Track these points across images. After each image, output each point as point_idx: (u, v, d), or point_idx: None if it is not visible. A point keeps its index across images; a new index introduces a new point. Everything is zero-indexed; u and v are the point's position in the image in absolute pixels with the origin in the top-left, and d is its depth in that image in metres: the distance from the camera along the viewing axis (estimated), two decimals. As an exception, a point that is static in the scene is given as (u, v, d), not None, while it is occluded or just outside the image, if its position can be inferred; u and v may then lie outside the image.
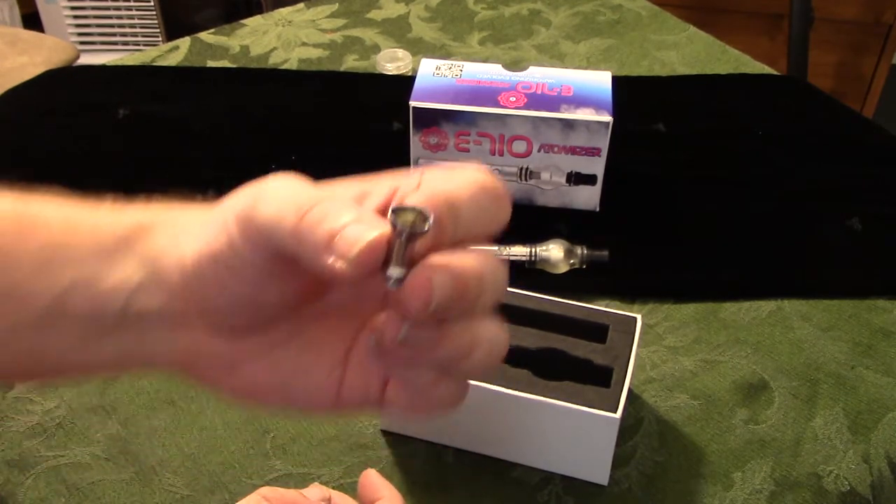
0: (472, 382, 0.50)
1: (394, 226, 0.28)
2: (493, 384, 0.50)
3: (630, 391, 0.55)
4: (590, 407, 0.49)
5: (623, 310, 0.63)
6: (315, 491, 0.45)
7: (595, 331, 0.53)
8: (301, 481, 0.53)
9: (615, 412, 0.49)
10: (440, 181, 0.30)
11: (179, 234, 0.35)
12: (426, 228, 0.28)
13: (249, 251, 0.32)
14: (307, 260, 0.30)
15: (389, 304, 0.30)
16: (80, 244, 0.36)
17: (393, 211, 0.28)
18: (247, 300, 0.34)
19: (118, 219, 0.36)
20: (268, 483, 0.53)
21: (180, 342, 0.36)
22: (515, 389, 0.50)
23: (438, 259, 0.29)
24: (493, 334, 0.30)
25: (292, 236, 0.30)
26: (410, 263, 0.28)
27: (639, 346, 0.53)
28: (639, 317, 0.54)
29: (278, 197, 0.31)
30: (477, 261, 0.29)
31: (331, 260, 0.29)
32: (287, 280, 0.32)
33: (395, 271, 0.28)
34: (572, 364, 0.52)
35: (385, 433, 0.56)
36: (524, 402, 0.50)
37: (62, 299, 0.35)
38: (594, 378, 0.51)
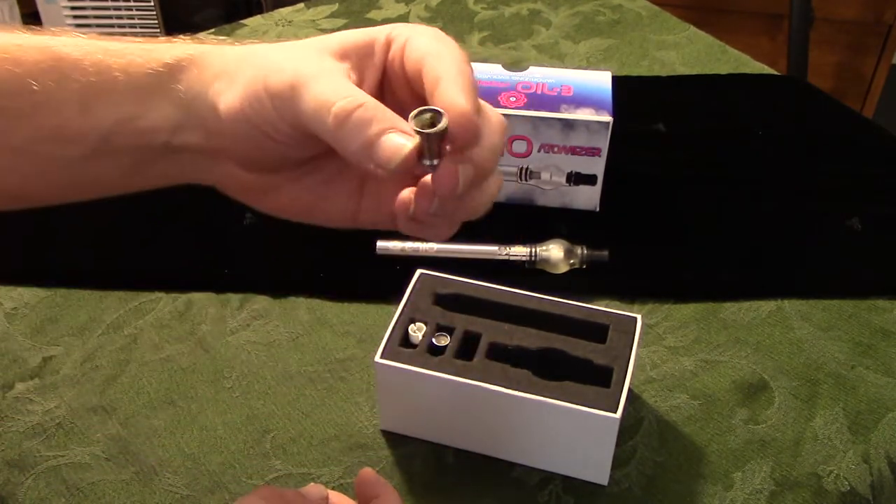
0: (472, 382, 0.50)
1: (418, 131, 0.35)
2: (494, 384, 0.50)
3: (630, 391, 0.54)
4: (590, 407, 0.49)
5: (623, 310, 0.63)
6: (313, 490, 0.45)
7: (595, 331, 0.53)
8: (301, 481, 0.53)
9: (615, 412, 0.49)
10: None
11: (213, 80, 0.39)
12: (444, 126, 0.35)
13: (284, 126, 0.37)
14: (346, 156, 0.36)
15: (420, 184, 0.37)
16: (116, 86, 0.39)
17: (415, 116, 0.35)
18: (275, 153, 0.39)
19: (149, 57, 0.39)
20: (268, 483, 0.53)
21: (217, 171, 0.41)
22: (516, 389, 0.49)
23: (461, 153, 0.36)
24: (496, 186, 0.38)
25: (333, 134, 0.36)
26: (439, 154, 0.35)
27: (639, 346, 0.53)
28: (639, 317, 0.54)
29: (319, 90, 0.36)
30: (489, 148, 0.37)
31: (371, 166, 0.35)
32: (314, 143, 0.38)
33: (428, 162, 0.36)
34: (572, 364, 0.52)
35: (385, 433, 0.56)
36: (524, 402, 0.50)
37: (108, 137, 0.39)
38: (594, 378, 0.51)
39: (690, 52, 0.94)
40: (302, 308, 0.65)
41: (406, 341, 0.53)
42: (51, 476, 0.53)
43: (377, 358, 0.52)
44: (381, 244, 0.68)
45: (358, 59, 0.40)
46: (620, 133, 0.69)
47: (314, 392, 0.59)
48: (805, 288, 0.66)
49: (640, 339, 0.53)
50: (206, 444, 0.55)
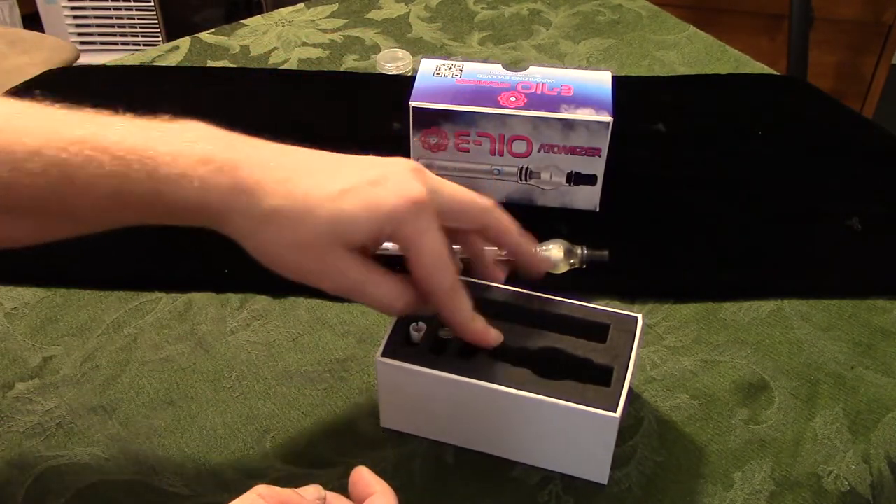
0: (472, 381, 0.50)
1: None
2: (494, 383, 0.50)
3: (630, 391, 0.54)
4: (589, 406, 0.49)
5: (623, 310, 0.63)
6: (311, 491, 0.45)
7: (596, 330, 0.53)
8: (301, 481, 0.53)
9: (615, 411, 0.49)
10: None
11: (258, 230, 0.46)
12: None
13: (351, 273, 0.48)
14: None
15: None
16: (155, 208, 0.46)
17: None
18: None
19: (187, 199, 0.45)
20: (268, 483, 0.53)
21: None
22: (516, 388, 0.50)
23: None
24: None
25: (431, 304, 0.49)
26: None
27: (640, 345, 0.53)
28: (640, 316, 0.54)
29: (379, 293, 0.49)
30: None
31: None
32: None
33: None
34: (573, 363, 0.52)
35: (385, 431, 0.56)
36: (524, 401, 0.50)
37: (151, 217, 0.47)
38: (594, 377, 0.51)
39: (690, 52, 0.94)
40: (302, 308, 0.65)
41: (407, 340, 0.53)
42: (51, 476, 0.53)
43: (378, 356, 0.52)
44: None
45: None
46: (620, 133, 0.69)
47: (314, 392, 0.59)
48: (805, 288, 0.66)
49: (640, 338, 0.53)
50: (206, 444, 0.55)
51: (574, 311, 0.54)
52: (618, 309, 0.56)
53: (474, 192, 0.50)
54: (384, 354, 0.52)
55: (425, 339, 0.53)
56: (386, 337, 0.53)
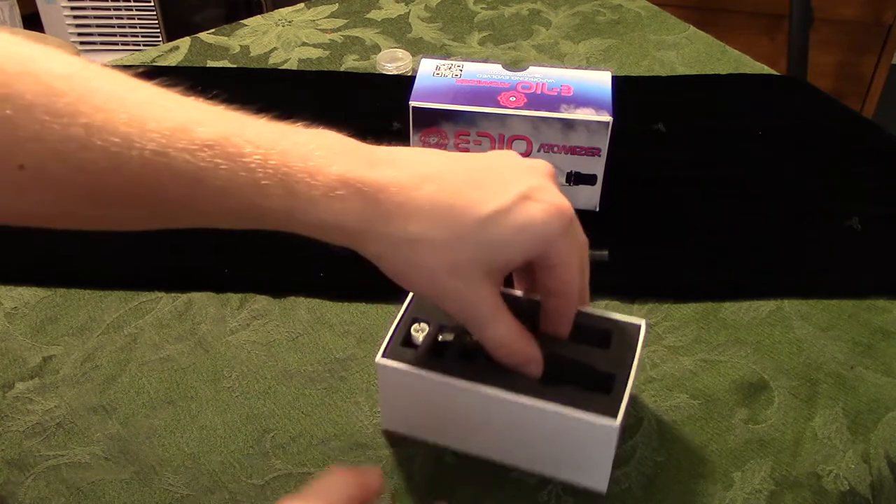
0: (473, 385, 0.50)
1: None
2: (494, 387, 0.50)
3: (632, 397, 0.54)
4: (589, 412, 0.48)
5: (623, 310, 0.63)
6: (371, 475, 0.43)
7: (598, 336, 0.53)
8: (301, 481, 0.53)
9: (615, 419, 0.48)
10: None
11: (399, 254, 0.44)
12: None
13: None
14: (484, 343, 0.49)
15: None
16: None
17: None
18: None
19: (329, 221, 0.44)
20: (268, 483, 0.53)
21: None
22: (516, 393, 0.49)
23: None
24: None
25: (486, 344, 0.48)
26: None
27: (642, 352, 0.52)
28: (643, 323, 0.53)
29: (495, 335, 0.47)
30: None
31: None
32: None
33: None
34: (574, 369, 0.51)
35: (386, 433, 0.56)
36: (523, 406, 0.49)
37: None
38: (596, 384, 0.50)
39: (690, 52, 0.94)
40: (302, 308, 0.65)
41: (408, 341, 0.53)
42: (51, 476, 0.53)
43: (378, 358, 0.51)
44: None
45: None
46: (620, 133, 0.69)
47: (314, 392, 0.59)
48: (805, 288, 0.67)
49: (643, 345, 0.52)
50: (206, 443, 0.55)
51: (577, 316, 0.53)
52: (618, 309, 0.56)
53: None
54: (385, 355, 0.52)
55: (426, 341, 0.52)
56: (387, 338, 0.52)
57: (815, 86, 0.92)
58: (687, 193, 0.75)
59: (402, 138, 0.72)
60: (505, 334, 0.47)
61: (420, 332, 0.53)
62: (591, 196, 0.72)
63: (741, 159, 0.79)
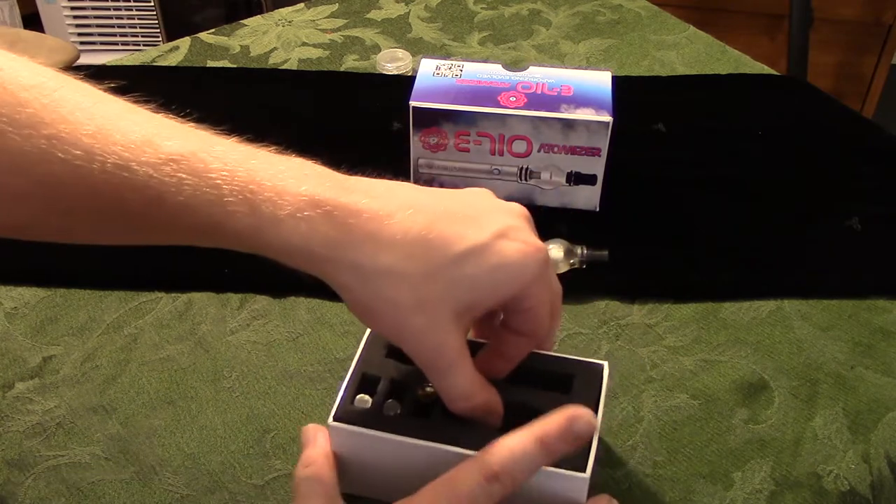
0: (432, 444, 0.46)
1: None
2: (456, 445, 0.46)
3: (600, 442, 0.49)
4: (556, 466, 0.44)
5: (623, 310, 0.63)
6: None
7: (560, 381, 0.49)
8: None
9: (583, 471, 0.45)
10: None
11: (365, 285, 0.42)
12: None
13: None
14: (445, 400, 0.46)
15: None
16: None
17: None
18: None
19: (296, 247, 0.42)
20: (267, 483, 0.53)
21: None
22: (476, 449, 0.44)
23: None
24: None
25: (445, 397, 0.46)
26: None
27: (607, 395, 0.49)
28: (605, 365, 0.50)
29: (455, 383, 0.45)
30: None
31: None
32: None
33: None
34: (534, 417, 0.46)
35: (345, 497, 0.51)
36: None
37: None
38: None
39: (690, 52, 0.94)
40: (302, 308, 0.65)
41: (361, 398, 0.49)
42: (51, 476, 0.53)
43: (330, 420, 0.47)
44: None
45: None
46: (620, 133, 0.69)
47: (314, 392, 0.59)
48: (805, 288, 0.67)
49: (607, 388, 0.49)
50: (206, 443, 0.55)
51: (537, 361, 0.49)
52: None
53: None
54: (337, 419, 0.47)
55: (378, 399, 0.49)
56: (338, 399, 0.48)
57: (815, 86, 0.92)
58: (687, 193, 0.75)
59: (402, 138, 0.72)
60: (464, 385, 0.44)
61: (365, 403, 0.49)
62: (591, 196, 0.72)
63: (741, 159, 0.79)
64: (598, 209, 0.72)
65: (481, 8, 1.02)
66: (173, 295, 0.65)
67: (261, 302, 0.65)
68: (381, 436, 0.47)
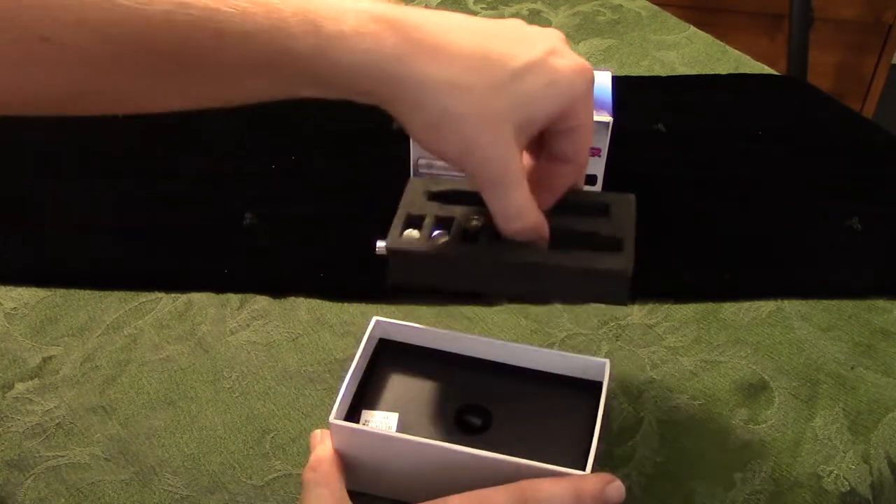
0: (433, 443, 0.46)
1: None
2: (461, 446, 0.46)
3: (601, 441, 0.49)
4: (558, 466, 0.45)
5: (623, 310, 0.63)
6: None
7: (597, 209, 0.52)
8: (301, 482, 0.53)
9: (583, 470, 0.45)
10: None
11: (430, 102, 0.42)
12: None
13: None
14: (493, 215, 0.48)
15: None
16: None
17: None
18: None
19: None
20: (267, 483, 0.53)
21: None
22: (486, 450, 0.45)
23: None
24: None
25: (498, 219, 0.47)
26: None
27: (608, 395, 0.49)
28: (606, 361, 0.50)
29: (510, 204, 0.46)
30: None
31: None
32: None
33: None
34: (581, 236, 0.50)
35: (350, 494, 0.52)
36: (494, 461, 0.45)
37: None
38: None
39: (690, 52, 0.94)
40: (302, 308, 0.65)
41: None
42: (51, 476, 0.53)
43: (331, 419, 0.47)
44: (380, 244, 0.68)
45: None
46: (620, 133, 0.69)
47: (314, 392, 0.59)
48: (805, 288, 0.66)
49: (608, 388, 0.50)
50: (205, 444, 0.55)
51: (571, 195, 0.51)
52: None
53: None
54: (339, 416, 0.48)
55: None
56: (339, 396, 0.49)
57: (815, 86, 0.92)
58: (687, 193, 0.75)
59: (402, 138, 0.72)
60: (523, 202, 0.46)
61: (413, 235, 0.50)
62: (591, 196, 0.72)
63: (741, 159, 0.79)
64: (598, 209, 0.72)
65: (481, 8, 1.02)
66: (173, 295, 0.65)
67: (261, 302, 0.65)
68: (380, 433, 0.47)
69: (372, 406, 0.50)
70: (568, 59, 0.45)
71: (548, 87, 0.44)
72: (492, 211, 0.46)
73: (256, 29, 0.39)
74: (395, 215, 0.51)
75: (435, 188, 0.53)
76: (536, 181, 0.48)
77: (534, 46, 0.44)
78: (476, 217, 0.49)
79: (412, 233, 0.50)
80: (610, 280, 0.47)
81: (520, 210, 0.46)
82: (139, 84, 0.41)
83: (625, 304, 0.53)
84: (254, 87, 0.43)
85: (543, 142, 0.49)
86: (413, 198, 0.52)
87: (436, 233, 0.50)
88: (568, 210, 0.50)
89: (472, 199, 0.49)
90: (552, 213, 0.49)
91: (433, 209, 0.51)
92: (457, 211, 0.51)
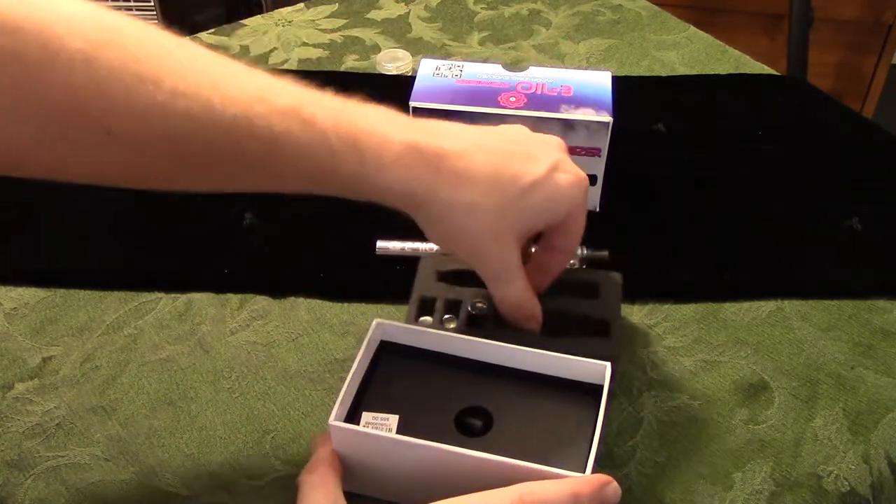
0: (433, 444, 0.46)
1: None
2: (460, 446, 0.46)
3: (601, 442, 0.49)
4: (559, 469, 0.45)
5: (623, 310, 0.63)
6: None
7: (587, 289, 0.57)
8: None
9: (584, 472, 0.46)
10: None
11: (452, 218, 0.49)
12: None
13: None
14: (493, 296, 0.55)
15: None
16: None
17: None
18: None
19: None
20: (267, 483, 0.53)
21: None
22: (485, 452, 0.45)
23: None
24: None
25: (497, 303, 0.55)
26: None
27: (609, 397, 0.49)
28: (608, 365, 0.50)
29: (510, 294, 0.53)
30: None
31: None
32: None
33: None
34: (571, 320, 0.55)
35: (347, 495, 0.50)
36: (493, 463, 0.45)
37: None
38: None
39: (690, 52, 0.94)
40: (302, 308, 0.65)
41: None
42: (50, 476, 0.53)
43: (331, 420, 0.47)
44: (381, 244, 0.68)
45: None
46: (620, 133, 0.69)
47: (314, 392, 0.59)
48: (805, 288, 0.66)
49: (609, 391, 0.49)
50: (206, 444, 0.55)
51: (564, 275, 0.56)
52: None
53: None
54: (339, 418, 0.48)
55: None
56: (339, 398, 0.48)
57: (815, 86, 0.92)
58: (687, 193, 0.75)
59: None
60: (520, 294, 0.53)
61: (427, 322, 0.54)
62: (591, 196, 0.72)
63: (741, 159, 0.79)
64: (598, 209, 0.72)
65: (481, 8, 1.02)
66: (173, 295, 0.65)
67: (261, 302, 0.65)
68: (380, 436, 0.47)
69: (372, 408, 0.50)
70: (568, 173, 0.51)
71: (549, 202, 0.50)
72: (493, 300, 0.54)
73: (306, 149, 0.45)
74: (411, 298, 0.59)
75: (444, 268, 0.60)
76: (533, 267, 0.55)
77: (539, 163, 0.50)
78: (481, 301, 0.58)
79: (426, 319, 0.58)
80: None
81: (518, 300, 0.53)
82: (190, 173, 0.46)
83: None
84: (295, 188, 0.48)
85: (541, 235, 0.55)
86: (425, 279, 0.60)
87: (446, 316, 0.58)
88: (562, 290, 0.57)
89: (478, 279, 0.54)
90: (547, 295, 0.56)
91: (443, 291, 0.59)
92: (465, 293, 0.58)
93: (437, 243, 0.52)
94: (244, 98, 0.44)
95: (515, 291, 0.53)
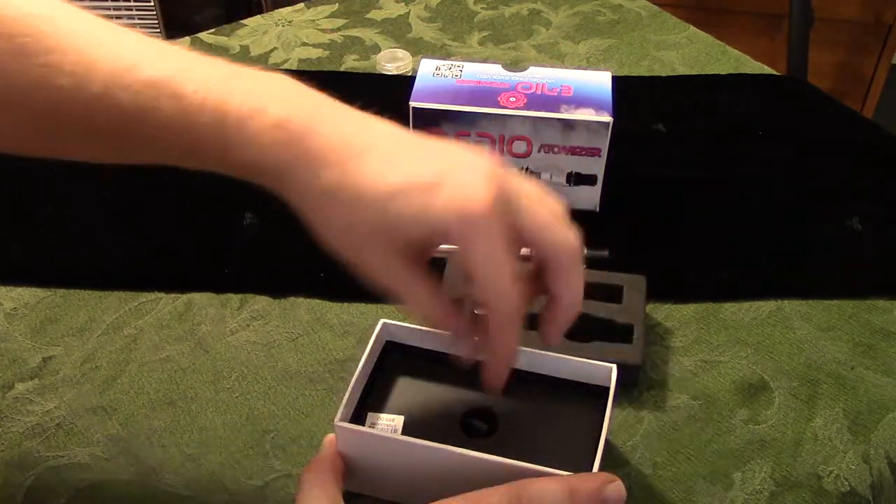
0: (438, 445, 0.46)
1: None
2: (467, 449, 0.46)
3: (607, 443, 0.50)
4: (563, 468, 0.45)
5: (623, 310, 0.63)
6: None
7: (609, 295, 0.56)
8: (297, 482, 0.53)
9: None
10: None
11: (316, 205, 0.44)
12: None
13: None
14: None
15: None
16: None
17: None
18: None
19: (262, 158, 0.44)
20: (267, 484, 0.53)
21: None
22: (490, 454, 0.45)
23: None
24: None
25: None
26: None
27: (614, 402, 0.49)
28: (613, 367, 0.50)
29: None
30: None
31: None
32: None
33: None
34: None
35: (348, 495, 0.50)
36: (500, 466, 0.45)
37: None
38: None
39: (690, 52, 0.94)
40: (302, 308, 0.65)
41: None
42: (51, 476, 0.53)
43: (336, 421, 0.47)
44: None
45: None
46: (620, 133, 0.69)
47: (314, 392, 0.59)
48: (805, 288, 0.66)
49: (615, 394, 0.49)
50: (206, 444, 0.55)
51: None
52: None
53: (565, 218, 0.45)
54: (345, 418, 0.48)
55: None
56: (345, 399, 0.48)
57: (815, 86, 0.92)
58: (687, 193, 0.75)
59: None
60: (420, 303, 0.45)
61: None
62: (591, 196, 0.72)
63: (741, 159, 0.79)
64: (598, 209, 0.72)
65: (481, 8, 1.02)
66: (173, 295, 0.65)
67: (261, 302, 0.65)
68: (385, 436, 0.47)
69: (377, 409, 0.50)
70: (443, 199, 0.42)
71: (412, 217, 0.42)
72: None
73: (171, 123, 0.43)
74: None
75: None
76: (543, 319, 0.47)
77: (418, 172, 0.43)
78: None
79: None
80: (623, 369, 0.52)
81: (414, 311, 0.46)
82: (67, 145, 0.47)
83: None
84: (169, 161, 0.46)
85: (543, 286, 0.46)
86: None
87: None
88: (588, 295, 0.49)
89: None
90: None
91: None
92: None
93: (318, 238, 0.45)
94: (114, 71, 0.43)
95: (411, 306, 0.45)
